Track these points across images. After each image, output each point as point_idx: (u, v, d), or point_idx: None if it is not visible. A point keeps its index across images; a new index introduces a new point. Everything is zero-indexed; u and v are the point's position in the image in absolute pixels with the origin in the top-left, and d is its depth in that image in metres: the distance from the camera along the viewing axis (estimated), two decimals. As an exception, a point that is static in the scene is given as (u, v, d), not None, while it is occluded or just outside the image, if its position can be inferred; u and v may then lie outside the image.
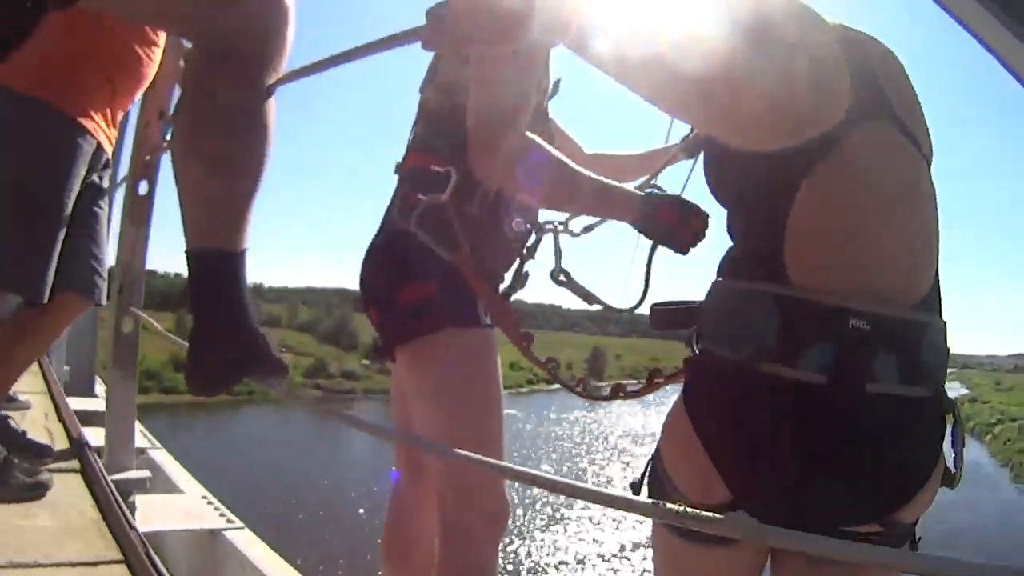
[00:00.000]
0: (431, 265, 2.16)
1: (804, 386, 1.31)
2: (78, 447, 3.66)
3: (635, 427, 58.02)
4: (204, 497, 3.68)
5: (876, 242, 1.38)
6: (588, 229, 2.41)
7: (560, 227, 2.36)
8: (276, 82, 1.71)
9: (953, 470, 1.46)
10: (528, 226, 2.38)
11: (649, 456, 1.59)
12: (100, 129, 2.48)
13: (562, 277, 2.17)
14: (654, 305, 1.70)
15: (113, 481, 3.26)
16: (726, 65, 1.18)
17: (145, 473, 3.71)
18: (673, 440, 1.48)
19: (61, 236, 2.44)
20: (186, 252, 1.72)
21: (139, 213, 3.86)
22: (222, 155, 1.67)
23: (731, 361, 1.38)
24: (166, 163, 3.75)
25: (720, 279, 1.51)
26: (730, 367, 1.39)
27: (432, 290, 2.24)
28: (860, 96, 1.38)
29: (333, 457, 44.52)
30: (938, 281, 1.46)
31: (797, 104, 1.29)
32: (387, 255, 2.38)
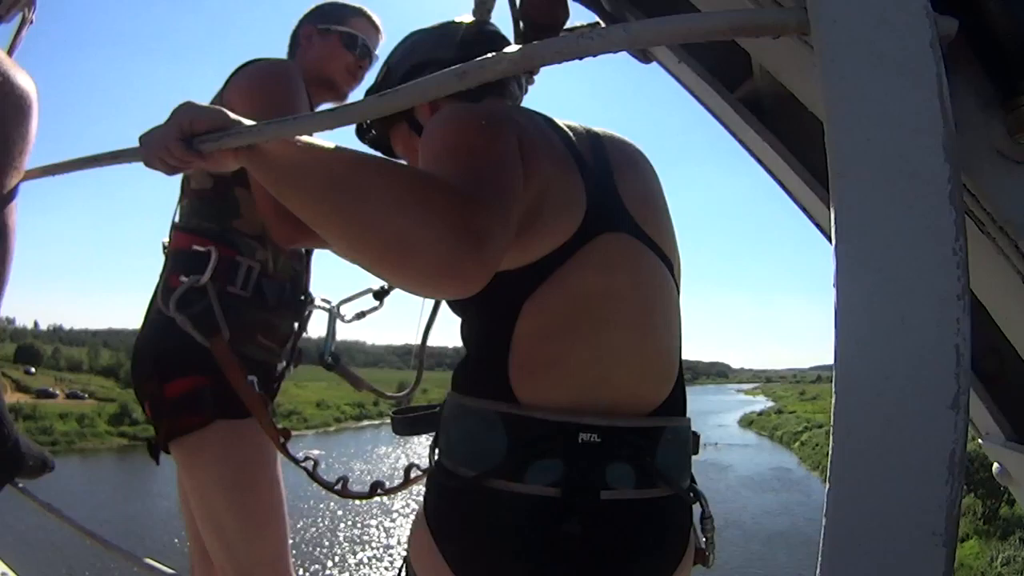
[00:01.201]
0: (200, 355, 2.10)
1: (538, 500, 1.32)
2: None
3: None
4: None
5: (605, 355, 1.39)
6: (360, 316, 2.43)
7: (335, 310, 2.38)
8: (15, 174, 1.67)
9: (706, 551, 1.55)
10: (303, 297, 2.39)
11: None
12: None
13: (329, 360, 2.20)
14: (395, 412, 1.69)
15: None
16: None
17: None
18: (419, 551, 1.45)
19: None
20: None
21: None
22: None
23: (465, 478, 1.37)
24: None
25: (453, 392, 1.48)
26: (463, 483, 1.38)
27: (202, 382, 2.14)
28: (595, 210, 1.40)
29: (143, 509, 42.41)
30: (681, 382, 1.51)
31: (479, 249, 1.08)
32: (153, 347, 2.25)
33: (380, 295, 2.44)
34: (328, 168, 1.14)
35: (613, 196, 1.50)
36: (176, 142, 1.23)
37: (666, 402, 1.48)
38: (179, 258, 2.22)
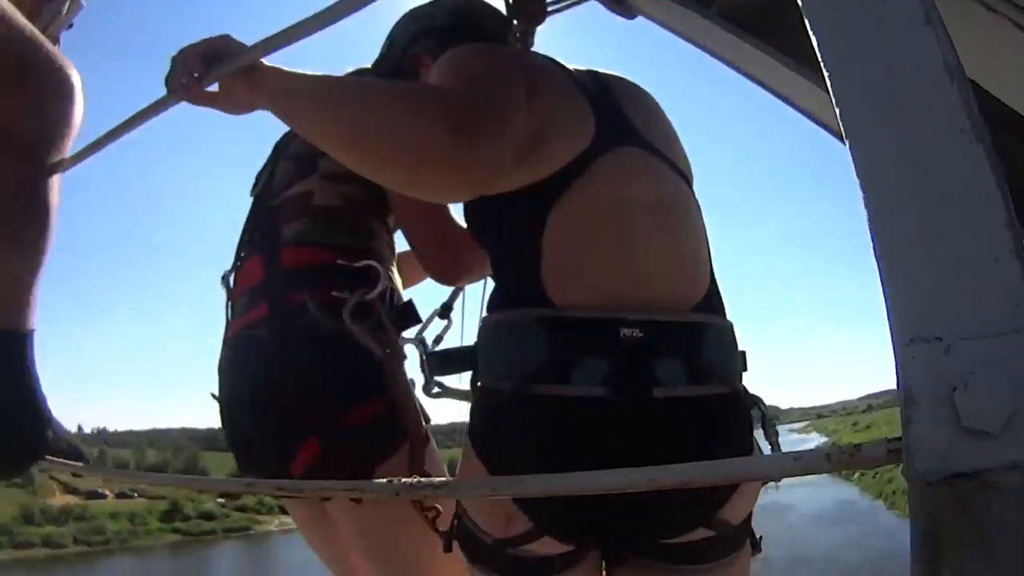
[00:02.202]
0: (375, 376, 1.84)
1: (587, 401, 1.29)
2: None
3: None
4: None
5: (635, 254, 1.39)
6: (438, 340, 2.17)
7: (420, 336, 2.00)
8: (61, 162, 1.73)
9: None
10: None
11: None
12: None
13: (436, 389, 1.80)
14: (429, 354, 1.67)
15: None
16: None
17: None
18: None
19: None
20: None
21: None
22: (9, 236, 1.68)
23: (509, 390, 1.34)
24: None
25: (487, 316, 1.47)
26: (508, 396, 1.34)
27: (383, 406, 1.85)
28: (605, 129, 1.43)
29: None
30: (715, 285, 1.49)
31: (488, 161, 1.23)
32: (315, 372, 1.85)
33: (444, 313, 2.27)
34: (332, 87, 1.33)
35: (623, 119, 1.52)
36: (195, 62, 1.37)
37: (705, 300, 1.45)
38: (319, 273, 1.92)
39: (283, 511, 76.93)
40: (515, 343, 1.38)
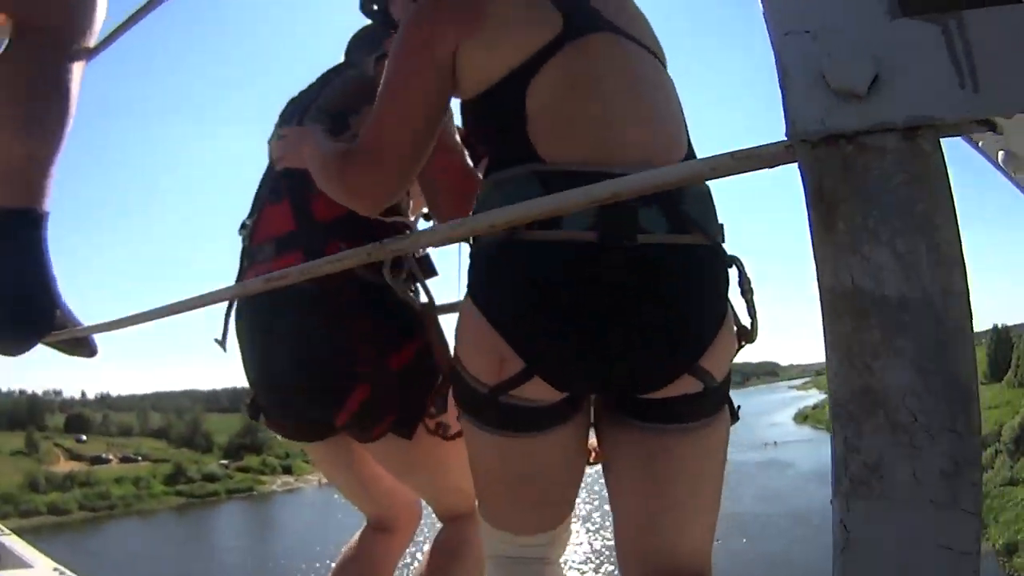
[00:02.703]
0: (407, 322, 1.90)
1: (576, 245, 1.38)
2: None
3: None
4: (56, 569, 3.13)
5: (615, 119, 1.47)
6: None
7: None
8: (86, 50, 1.82)
9: (749, 326, 1.58)
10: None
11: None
12: None
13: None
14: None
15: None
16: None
17: None
18: (464, 335, 1.51)
19: None
20: None
21: None
22: (30, 118, 1.75)
23: (503, 237, 1.42)
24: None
25: (483, 181, 1.58)
26: (502, 243, 1.43)
27: (421, 347, 1.91)
28: (573, 20, 1.52)
29: (202, 567, 44.10)
30: (693, 152, 1.58)
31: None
32: (357, 324, 1.89)
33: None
34: (312, 158, 1.72)
35: (590, 10, 1.58)
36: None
37: (685, 160, 1.52)
38: (353, 226, 1.90)
39: (286, 471, 77.77)
40: (510, 194, 1.42)
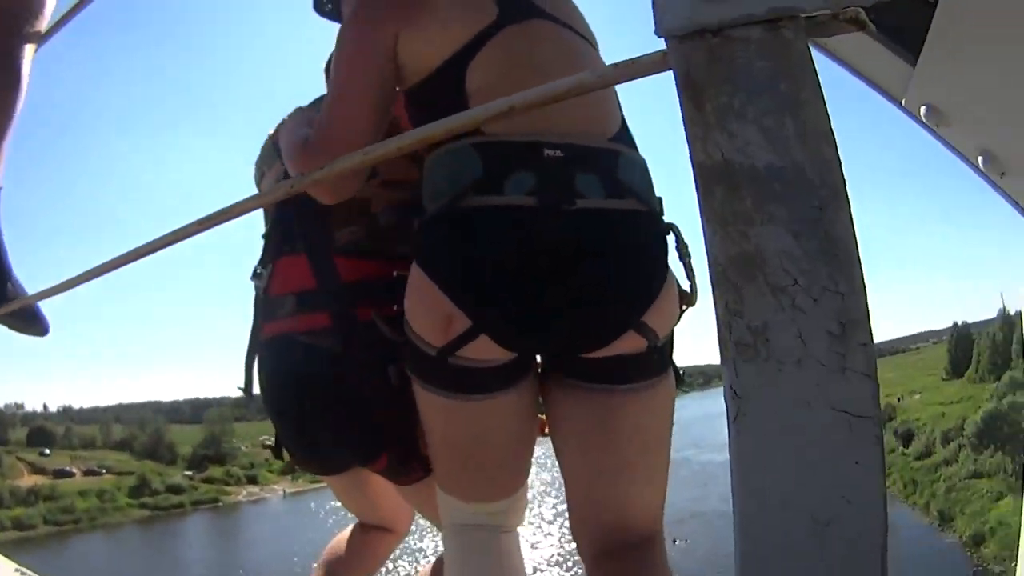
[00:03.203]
0: None
1: (517, 211, 1.45)
2: None
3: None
4: (17, 570, 3.10)
5: None
6: None
7: None
8: (36, 34, 1.89)
9: (690, 290, 1.61)
10: None
11: None
12: None
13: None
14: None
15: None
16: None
17: None
18: (412, 299, 1.55)
19: None
20: None
21: None
22: None
23: (446, 204, 1.48)
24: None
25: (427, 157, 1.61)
26: (447, 209, 1.49)
27: None
28: (507, 9, 1.60)
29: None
30: (627, 127, 1.66)
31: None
32: (396, 390, 1.75)
33: None
34: (283, 147, 1.72)
35: (526, 1, 1.65)
36: None
37: (617, 135, 1.61)
38: (380, 287, 1.82)
39: (251, 481, 76.71)
40: (453, 165, 1.52)
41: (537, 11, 1.65)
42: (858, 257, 0.68)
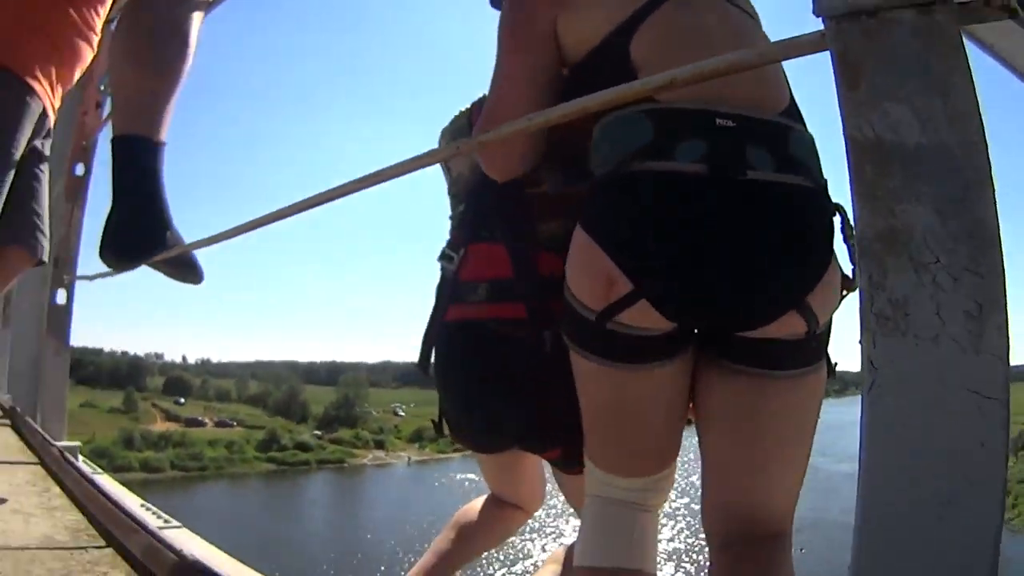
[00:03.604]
0: None
1: (687, 177, 1.42)
2: (10, 412, 4.08)
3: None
4: (143, 505, 3.11)
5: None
6: None
7: None
8: (204, 3, 2.03)
9: (851, 276, 1.54)
10: None
11: None
12: (47, 95, 2.22)
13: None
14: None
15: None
16: None
17: (76, 443, 3.66)
18: (574, 262, 1.55)
19: (5, 191, 2.16)
20: (113, 141, 1.99)
21: (75, 191, 4.25)
22: (151, 56, 1.94)
23: (616, 167, 1.49)
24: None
25: (597, 123, 1.60)
26: (616, 173, 1.49)
27: None
28: None
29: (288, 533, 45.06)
30: (796, 103, 1.62)
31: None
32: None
33: None
34: None
35: None
36: None
37: (787, 110, 1.57)
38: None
39: (378, 446, 78.29)
40: (623, 131, 1.50)
41: None
42: (999, 240, 0.68)
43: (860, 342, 0.74)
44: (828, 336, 1.58)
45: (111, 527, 2.50)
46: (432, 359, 2.02)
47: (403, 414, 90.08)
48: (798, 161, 1.49)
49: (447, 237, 2.09)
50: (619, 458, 1.67)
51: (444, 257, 2.04)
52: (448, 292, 1.98)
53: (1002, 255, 0.69)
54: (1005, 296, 0.69)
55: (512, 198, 1.90)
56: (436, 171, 2.11)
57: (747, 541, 1.61)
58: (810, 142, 1.57)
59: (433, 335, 2.02)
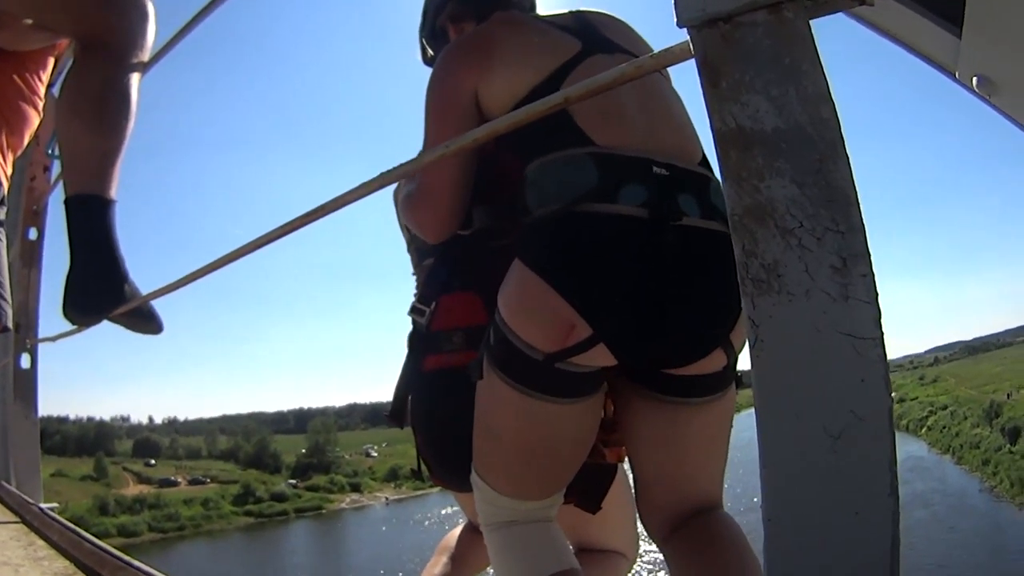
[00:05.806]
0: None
1: (630, 220, 1.50)
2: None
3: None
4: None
5: (645, 116, 1.67)
6: None
7: None
8: (141, 63, 2.06)
9: None
10: None
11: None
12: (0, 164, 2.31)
13: None
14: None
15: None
16: None
17: (54, 504, 3.65)
18: (521, 302, 1.57)
19: None
20: (66, 201, 2.00)
21: (30, 255, 4.32)
22: (98, 116, 1.97)
23: (562, 209, 1.55)
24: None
25: (533, 164, 1.67)
26: (562, 213, 1.55)
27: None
28: (588, 43, 1.75)
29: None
30: (705, 155, 1.74)
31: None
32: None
33: None
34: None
35: (602, 36, 1.82)
36: None
37: (703, 160, 1.72)
38: None
39: (354, 489, 77.28)
40: (567, 172, 1.58)
41: (619, 47, 1.80)
42: (856, 201, 0.76)
43: (742, 306, 0.81)
44: (737, 359, 1.72)
45: (99, 569, 2.55)
46: (408, 409, 2.05)
47: (376, 454, 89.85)
48: (716, 209, 1.59)
49: (413, 291, 2.13)
50: (530, 484, 1.75)
51: (415, 311, 2.06)
52: (422, 344, 2.01)
53: (861, 213, 0.76)
54: (867, 247, 0.76)
55: (480, 250, 1.96)
56: (380, 220, 2.19)
57: (690, 518, 1.75)
58: (721, 192, 1.62)
59: (407, 386, 2.05)
